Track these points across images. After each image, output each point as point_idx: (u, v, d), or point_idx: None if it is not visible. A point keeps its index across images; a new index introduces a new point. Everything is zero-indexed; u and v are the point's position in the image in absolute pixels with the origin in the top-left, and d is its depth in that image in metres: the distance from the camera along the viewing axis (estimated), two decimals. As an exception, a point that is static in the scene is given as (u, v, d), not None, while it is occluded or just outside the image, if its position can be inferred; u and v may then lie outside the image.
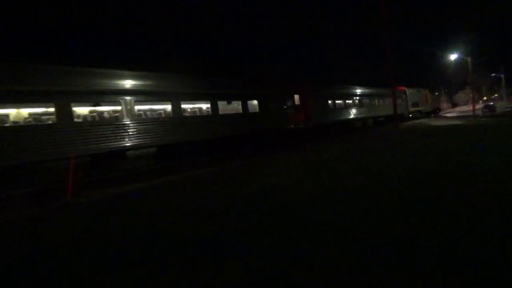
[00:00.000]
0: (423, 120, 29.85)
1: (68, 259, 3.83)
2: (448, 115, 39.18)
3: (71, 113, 9.66)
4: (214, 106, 13.46)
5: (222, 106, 13.85)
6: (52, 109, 9.38)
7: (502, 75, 60.16)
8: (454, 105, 71.81)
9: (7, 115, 9.02)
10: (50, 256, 4.00)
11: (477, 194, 4.60)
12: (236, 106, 14.78)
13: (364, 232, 3.70)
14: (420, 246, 3.18)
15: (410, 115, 32.20)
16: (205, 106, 13.61)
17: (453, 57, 35.73)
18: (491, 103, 39.78)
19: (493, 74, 63.06)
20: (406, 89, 31.85)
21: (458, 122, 23.06)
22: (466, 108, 50.64)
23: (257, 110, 15.54)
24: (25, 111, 9.26)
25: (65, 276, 3.39)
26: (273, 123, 16.37)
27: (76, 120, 9.89)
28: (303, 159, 10.46)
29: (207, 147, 13.50)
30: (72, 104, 9.70)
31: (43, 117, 9.48)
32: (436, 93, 50.84)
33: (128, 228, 4.85)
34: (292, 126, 17.73)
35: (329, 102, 21.20)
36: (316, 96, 19.53)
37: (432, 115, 37.74)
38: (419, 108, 34.44)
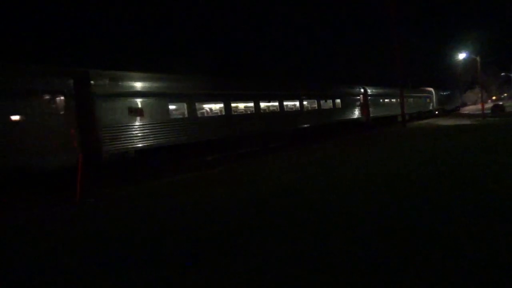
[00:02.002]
0: (433, 120, 30.06)
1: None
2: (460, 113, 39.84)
3: (195, 109, 12.57)
4: (319, 103, 19.44)
5: (322, 103, 19.80)
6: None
7: (512, 75, 58.62)
8: (463, 104, 70.50)
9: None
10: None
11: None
12: (329, 103, 20.58)
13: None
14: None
15: (437, 112, 37.56)
16: (312, 103, 19.29)
17: (462, 56, 35.09)
18: (500, 103, 39.06)
19: (503, 74, 61.57)
20: (433, 89, 37.87)
21: (467, 122, 22.94)
22: (475, 108, 49.76)
23: (340, 106, 21.43)
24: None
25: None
26: (350, 115, 22.49)
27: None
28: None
29: (316, 132, 19.04)
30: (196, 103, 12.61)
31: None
32: (456, 93, 52.01)
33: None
34: (364, 119, 23.89)
35: (380, 100, 26.81)
36: (372, 96, 25.04)
37: (453, 112, 42.73)
38: (443, 106, 39.94)
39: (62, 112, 8.92)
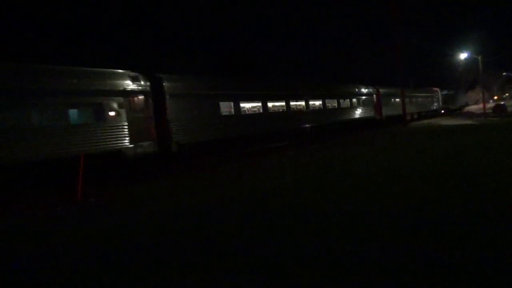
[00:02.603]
0: (435, 120, 31.08)
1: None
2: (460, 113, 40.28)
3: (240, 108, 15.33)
4: (338, 103, 22.68)
5: (341, 102, 23.03)
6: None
7: (513, 75, 59.71)
8: (465, 104, 71.47)
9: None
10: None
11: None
12: (347, 102, 23.65)
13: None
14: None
15: (443, 111, 40.40)
16: (332, 102, 22.49)
17: (463, 56, 36.09)
18: (502, 103, 39.47)
19: (504, 73, 62.69)
20: (438, 89, 40.98)
21: (469, 122, 23.65)
22: (476, 107, 50.73)
23: (356, 105, 24.26)
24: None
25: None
26: (368, 113, 25.68)
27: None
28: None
29: (336, 128, 22.25)
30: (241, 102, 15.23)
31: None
32: (460, 93, 53.01)
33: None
34: (378, 117, 26.93)
35: (392, 100, 29.77)
36: (384, 95, 28.12)
37: (458, 111, 45.25)
38: (449, 105, 43.51)
39: (144, 109, 11.16)
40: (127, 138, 10.39)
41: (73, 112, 9.88)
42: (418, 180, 6.39)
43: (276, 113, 17.40)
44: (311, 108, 19.88)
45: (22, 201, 7.92)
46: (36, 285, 3.39)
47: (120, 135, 10.24)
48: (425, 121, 30.36)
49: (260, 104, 16.21)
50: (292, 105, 18.52)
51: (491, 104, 42.95)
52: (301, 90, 19.45)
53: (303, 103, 19.26)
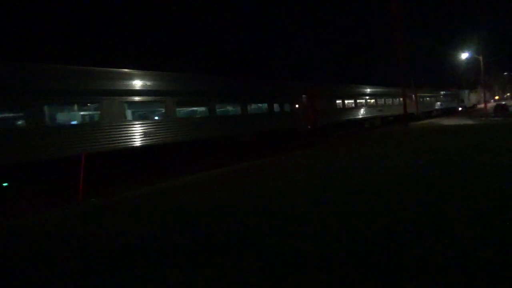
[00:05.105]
0: (436, 120, 30.68)
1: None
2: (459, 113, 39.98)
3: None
4: (360, 102, 25.56)
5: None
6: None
7: (515, 74, 59.31)
8: (477, 103, 71.08)
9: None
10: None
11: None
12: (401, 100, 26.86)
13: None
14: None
15: (460, 109, 45.41)
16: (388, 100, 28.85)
17: (464, 56, 35.57)
18: (503, 103, 38.87)
19: (505, 73, 62.29)
20: (456, 89, 47.29)
21: (470, 121, 23.21)
22: (478, 107, 50.54)
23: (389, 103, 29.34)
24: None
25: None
26: (412, 110, 30.39)
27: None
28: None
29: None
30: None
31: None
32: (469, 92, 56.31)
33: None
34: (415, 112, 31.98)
35: (427, 98, 36.39)
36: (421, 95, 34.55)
37: (470, 109, 49.00)
38: (464, 104, 47.59)
39: (304, 104, 18.72)
40: (298, 121, 17.95)
41: (276, 106, 16.54)
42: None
43: (362, 106, 24.51)
44: (379, 103, 26.90)
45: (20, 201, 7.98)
46: (36, 285, 3.40)
47: (297, 119, 17.81)
48: (426, 121, 29.85)
49: (352, 101, 23.47)
50: (370, 102, 25.85)
51: (492, 104, 42.55)
52: (370, 90, 26.18)
53: (374, 100, 26.45)
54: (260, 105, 16.04)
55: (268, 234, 3.96)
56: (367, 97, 25.29)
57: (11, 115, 8.58)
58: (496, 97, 72.49)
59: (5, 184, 8.26)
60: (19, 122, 8.55)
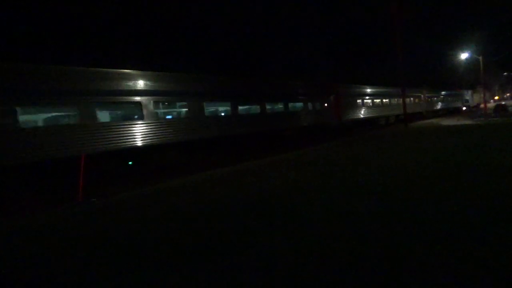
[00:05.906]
0: (437, 120, 31.16)
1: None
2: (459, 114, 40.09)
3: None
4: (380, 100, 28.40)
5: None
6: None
7: (514, 75, 59.22)
8: (479, 103, 71.04)
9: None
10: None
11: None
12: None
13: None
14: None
15: (464, 108, 47.88)
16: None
17: (464, 56, 35.52)
18: (503, 103, 38.75)
19: (505, 73, 62.16)
20: (461, 90, 50.14)
21: (469, 122, 23.21)
22: (481, 106, 50.81)
23: (418, 101, 34.97)
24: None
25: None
26: (422, 108, 35.70)
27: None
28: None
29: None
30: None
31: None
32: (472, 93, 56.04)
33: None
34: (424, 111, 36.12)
35: (434, 98, 40.01)
36: (429, 95, 38.27)
37: (474, 108, 50.99)
38: (469, 103, 50.42)
39: (332, 102, 20.84)
40: (327, 117, 20.25)
41: (310, 105, 18.84)
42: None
43: (378, 106, 27.18)
44: (392, 103, 29.31)
45: (19, 202, 7.90)
46: (36, 285, 3.40)
47: (328, 115, 20.21)
48: (427, 121, 29.90)
49: (379, 100, 27.19)
50: (385, 101, 28.31)
51: (492, 104, 42.56)
52: (385, 90, 28.70)
53: (388, 100, 29.10)
54: (299, 104, 18.48)
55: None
56: (382, 97, 27.75)
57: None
58: (496, 97, 72.41)
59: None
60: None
